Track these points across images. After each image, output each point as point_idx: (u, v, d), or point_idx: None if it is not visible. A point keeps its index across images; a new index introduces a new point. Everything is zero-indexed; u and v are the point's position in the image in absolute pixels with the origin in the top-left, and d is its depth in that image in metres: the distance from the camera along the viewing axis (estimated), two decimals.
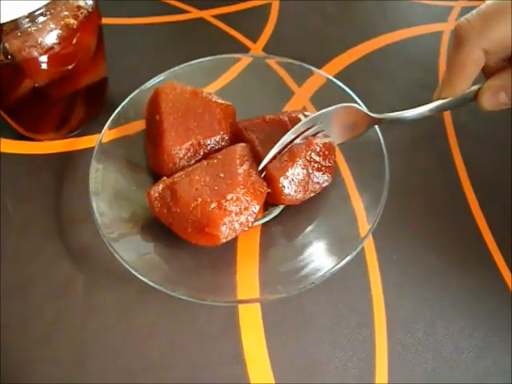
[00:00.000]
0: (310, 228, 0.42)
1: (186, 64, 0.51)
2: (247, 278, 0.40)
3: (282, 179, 0.40)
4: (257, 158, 0.42)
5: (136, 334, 0.39)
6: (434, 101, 0.38)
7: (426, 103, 0.38)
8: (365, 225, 0.40)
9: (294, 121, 0.43)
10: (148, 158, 0.46)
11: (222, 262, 0.41)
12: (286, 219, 0.43)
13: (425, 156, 0.50)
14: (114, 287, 0.41)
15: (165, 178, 0.41)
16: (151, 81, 0.50)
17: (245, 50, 0.58)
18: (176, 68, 0.51)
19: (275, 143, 0.41)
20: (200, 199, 0.39)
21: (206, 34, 0.61)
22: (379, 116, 0.41)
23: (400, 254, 0.43)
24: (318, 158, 0.41)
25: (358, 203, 0.42)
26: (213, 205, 0.38)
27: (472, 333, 0.39)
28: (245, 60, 0.52)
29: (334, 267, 0.37)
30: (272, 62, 0.51)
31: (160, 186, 0.41)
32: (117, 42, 0.57)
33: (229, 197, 0.38)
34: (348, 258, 0.37)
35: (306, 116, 0.44)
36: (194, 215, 0.38)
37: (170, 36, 0.62)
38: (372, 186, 0.41)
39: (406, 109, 0.39)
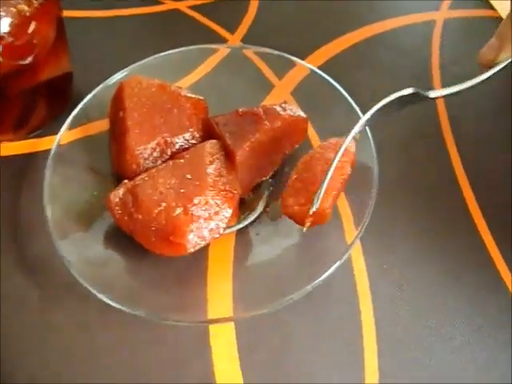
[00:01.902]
0: (290, 235, 0.38)
1: (155, 56, 0.47)
2: (219, 293, 0.36)
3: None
4: (228, 155, 0.38)
5: (95, 356, 0.35)
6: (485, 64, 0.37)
7: None
8: (352, 230, 0.36)
9: (269, 113, 0.39)
10: (112, 159, 0.42)
11: (190, 274, 0.37)
12: (264, 225, 0.39)
13: (418, 153, 0.46)
14: (72, 304, 0.37)
15: (126, 181, 0.38)
16: (116, 75, 0.46)
17: (222, 41, 0.54)
18: (144, 61, 0.47)
19: (248, 137, 0.38)
20: (164, 204, 0.35)
21: (181, 26, 0.57)
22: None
23: (392, 262, 0.39)
24: None
25: (343, 206, 0.38)
26: (178, 210, 0.35)
27: (474, 351, 0.35)
28: (221, 52, 0.48)
29: (316, 279, 0.32)
30: (249, 52, 0.48)
31: (121, 191, 0.37)
32: (87, 36, 0.54)
33: (196, 200, 0.35)
34: (332, 269, 0.33)
35: (284, 109, 0.40)
36: (158, 222, 0.35)
37: (144, 29, 0.58)
38: (359, 187, 0.37)
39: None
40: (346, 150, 0.35)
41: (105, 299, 0.33)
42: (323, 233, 0.37)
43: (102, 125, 0.44)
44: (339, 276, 0.37)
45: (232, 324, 0.36)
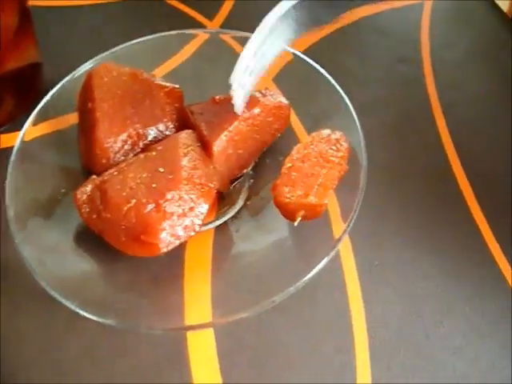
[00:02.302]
0: (273, 231, 0.36)
1: (127, 44, 0.44)
2: (197, 297, 0.33)
3: None
4: (204, 146, 0.36)
5: (65, 368, 0.33)
6: None
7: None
8: (339, 224, 0.34)
9: (249, 99, 0.36)
10: (81, 155, 0.39)
11: (165, 277, 0.34)
12: (244, 220, 0.36)
13: (409, 140, 0.44)
14: (39, 311, 0.35)
15: (94, 176, 0.35)
16: (86, 64, 0.43)
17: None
18: (117, 48, 0.44)
19: (225, 126, 0.35)
20: (134, 200, 0.32)
21: (157, 12, 0.54)
22: None
23: (383, 258, 0.36)
24: None
25: (330, 198, 0.35)
26: (149, 206, 0.32)
27: (476, 354, 0.33)
28: (199, 38, 0.45)
29: (301, 279, 0.29)
30: (228, 37, 0.45)
31: (88, 187, 0.34)
32: (59, 26, 0.52)
33: (169, 195, 0.32)
34: (319, 267, 0.30)
35: (264, 95, 0.37)
36: (128, 220, 0.32)
37: (118, 16, 0.55)
38: (347, 178, 0.34)
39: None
40: (341, 144, 0.34)
41: (70, 306, 0.30)
42: (308, 228, 0.34)
43: (71, 118, 0.41)
44: (327, 275, 0.34)
45: (211, 329, 0.33)
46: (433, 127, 0.44)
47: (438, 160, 0.42)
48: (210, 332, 0.33)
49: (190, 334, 0.33)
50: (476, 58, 0.50)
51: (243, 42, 0.44)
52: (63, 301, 0.30)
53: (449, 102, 0.46)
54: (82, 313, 0.30)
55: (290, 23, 0.36)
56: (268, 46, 0.36)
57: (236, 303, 0.31)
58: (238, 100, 0.35)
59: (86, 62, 0.43)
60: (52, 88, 0.41)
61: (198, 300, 0.33)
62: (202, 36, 0.46)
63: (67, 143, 0.40)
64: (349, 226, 0.32)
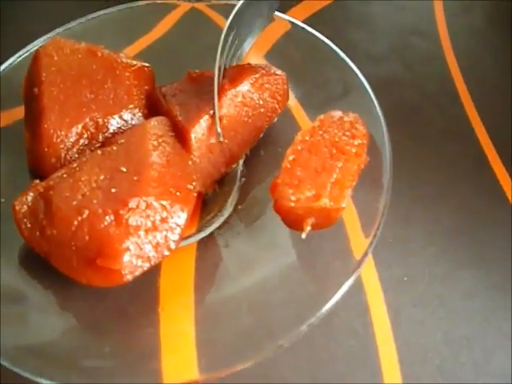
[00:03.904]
0: (273, 245, 0.29)
1: (88, 17, 0.37)
2: (177, 341, 0.26)
3: None
4: (180, 135, 0.29)
5: None
6: None
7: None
8: (357, 232, 0.27)
9: (233, 73, 0.30)
10: (27, 154, 0.32)
11: (133, 312, 0.27)
12: (235, 232, 0.29)
13: (435, 124, 0.37)
14: None
15: (37, 181, 0.28)
16: (34, 43, 0.37)
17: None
18: (74, 23, 0.38)
19: (205, 109, 0.29)
20: (87, 211, 0.25)
21: None
22: None
23: (413, 272, 0.30)
24: None
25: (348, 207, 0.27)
26: (107, 219, 0.25)
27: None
28: (176, 11, 0.40)
29: (314, 315, 0.22)
30: (210, 9, 0.39)
31: (30, 195, 0.27)
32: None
33: (133, 203, 0.25)
34: (336, 298, 0.22)
35: (252, 66, 0.31)
36: (79, 239, 0.25)
37: None
38: (367, 178, 0.27)
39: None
40: (357, 129, 0.27)
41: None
42: (320, 240, 0.27)
43: (17, 113, 0.35)
44: (344, 297, 0.26)
45: None
46: (460, 110, 0.38)
47: (469, 146, 0.36)
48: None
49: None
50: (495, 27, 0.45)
51: (225, 12, 0.38)
52: None
53: (473, 76, 0.40)
54: (14, 369, 0.22)
55: None
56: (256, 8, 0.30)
57: (229, 349, 0.24)
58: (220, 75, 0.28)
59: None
60: None
61: (178, 345, 0.25)
62: (178, 7, 0.40)
63: (10, 140, 0.34)
64: (373, 242, 0.25)
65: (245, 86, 0.30)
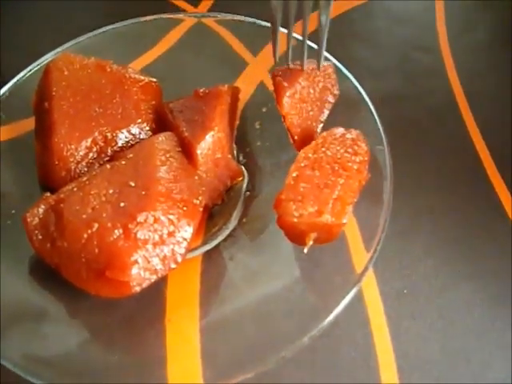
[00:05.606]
0: (277, 258, 0.29)
1: (97, 32, 0.38)
2: (182, 352, 0.26)
3: None
4: (186, 151, 0.30)
5: None
6: None
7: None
8: (359, 246, 0.27)
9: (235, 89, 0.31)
10: (37, 166, 0.33)
11: (141, 325, 0.27)
12: (240, 245, 0.30)
13: (436, 139, 0.37)
14: None
15: (48, 194, 0.28)
16: (45, 57, 0.37)
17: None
18: (83, 38, 0.38)
19: (210, 125, 0.29)
20: (96, 225, 0.26)
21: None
22: None
23: (413, 284, 0.30)
24: None
25: (350, 222, 0.28)
26: (116, 232, 0.25)
27: None
28: (181, 26, 0.40)
29: (316, 327, 0.23)
30: (215, 23, 0.40)
31: (41, 208, 0.28)
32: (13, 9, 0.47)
33: (141, 217, 0.25)
34: (337, 311, 0.23)
35: None
36: (89, 251, 0.25)
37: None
38: (367, 191, 0.27)
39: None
40: (359, 146, 0.28)
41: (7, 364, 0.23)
42: (322, 254, 0.28)
43: (28, 124, 0.35)
44: (345, 311, 0.27)
45: None
46: (461, 125, 0.38)
47: (469, 162, 0.36)
48: None
49: None
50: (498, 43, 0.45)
51: (233, 28, 0.38)
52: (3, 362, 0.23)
53: (474, 92, 0.40)
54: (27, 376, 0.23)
55: None
56: None
57: (233, 359, 0.24)
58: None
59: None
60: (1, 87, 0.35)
61: (183, 355, 0.26)
62: (184, 21, 0.40)
63: (21, 152, 0.34)
64: (374, 256, 0.25)
65: (301, 83, 0.30)
